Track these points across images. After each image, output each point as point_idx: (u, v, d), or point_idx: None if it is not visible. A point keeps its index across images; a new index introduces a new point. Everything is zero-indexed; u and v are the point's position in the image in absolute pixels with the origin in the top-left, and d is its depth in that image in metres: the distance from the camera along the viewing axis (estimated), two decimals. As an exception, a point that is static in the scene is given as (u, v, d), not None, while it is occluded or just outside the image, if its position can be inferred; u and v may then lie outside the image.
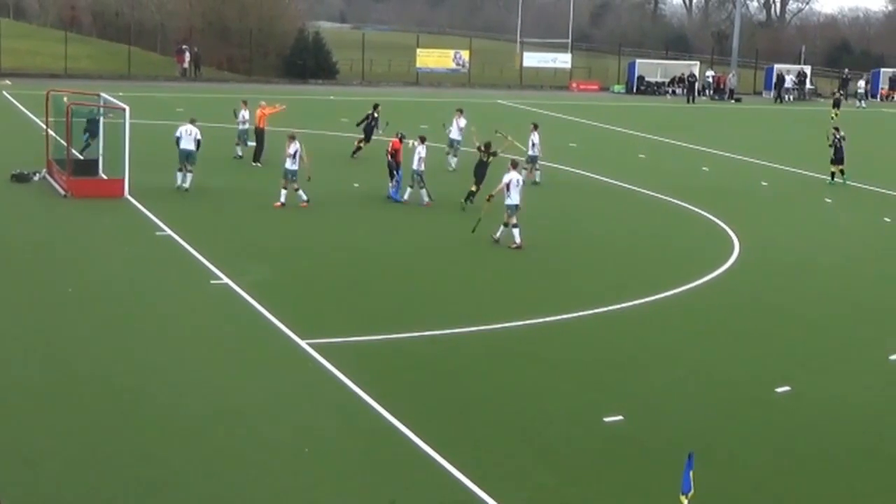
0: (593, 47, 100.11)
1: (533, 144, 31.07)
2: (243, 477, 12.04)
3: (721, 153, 41.90)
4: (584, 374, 16.07)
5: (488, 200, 24.32)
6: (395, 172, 28.08)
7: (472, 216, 24.73)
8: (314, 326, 17.31)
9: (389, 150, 28.69)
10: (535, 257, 23.16)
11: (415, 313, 18.71)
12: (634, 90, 71.10)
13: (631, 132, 48.09)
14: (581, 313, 18.96)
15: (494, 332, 17.72)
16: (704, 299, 20.59)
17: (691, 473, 10.22)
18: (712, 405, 15.02)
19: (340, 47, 72.06)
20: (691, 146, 43.75)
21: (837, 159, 34.74)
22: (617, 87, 72.59)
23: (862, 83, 71.65)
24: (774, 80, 71.73)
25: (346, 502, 11.73)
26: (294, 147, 26.10)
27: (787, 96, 70.74)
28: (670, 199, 30.51)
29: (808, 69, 74.83)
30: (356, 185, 30.08)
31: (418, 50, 71.24)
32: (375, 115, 34.82)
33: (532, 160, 31.11)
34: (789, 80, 71.39)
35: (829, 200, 32.20)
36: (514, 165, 24.03)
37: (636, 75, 71.83)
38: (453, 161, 33.46)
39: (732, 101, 69.08)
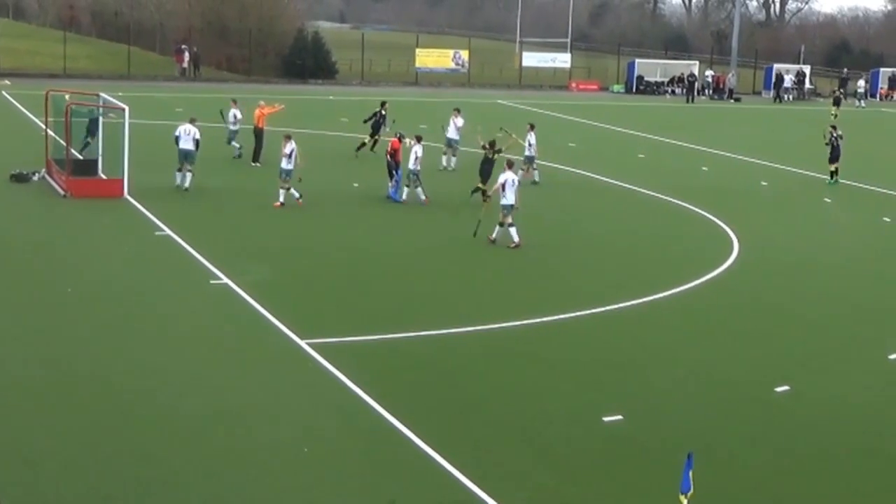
0: (593, 47, 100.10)
1: (529, 145, 31.14)
2: (243, 477, 12.04)
3: (720, 153, 41.91)
4: (584, 374, 16.07)
5: (485, 201, 24.30)
6: (394, 172, 28.10)
7: (472, 216, 24.70)
8: (314, 326, 17.31)
9: (389, 149, 28.75)
10: (535, 257, 23.16)
11: (414, 313, 18.70)
12: (634, 90, 71.12)
13: (630, 132, 48.10)
14: (580, 313, 18.96)
15: (494, 332, 17.72)
16: (704, 299, 20.60)
17: (691, 473, 10.22)
18: (712, 405, 15.02)
19: (340, 47, 72.06)
20: (691, 146, 43.76)
21: (834, 158, 34.78)
22: (616, 87, 72.60)
23: (862, 82, 71.67)
24: (774, 79, 71.77)
25: (346, 502, 11.73)
26: (290, 147, 26.14)
27: (786, 96, 70.77)
28: (670, 199, 30.51)
29: (807, 69, 74.85)
30: (355, 184, 30.08)
31: (417, 50, 71.23)
32: (383, 112, 34.94)
33: (529, 160, 31.14)
34: (788, 80, 71.42)
35: (828, 200, 32.21)
36: (510, 165, 24.06)
37: (635, 75, 71.84)
38: (452, 161, 33.43)
39: (732, 101, 69.11)
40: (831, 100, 60.52)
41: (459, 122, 33.69)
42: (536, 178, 31.35)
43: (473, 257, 22.94)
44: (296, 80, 65.48)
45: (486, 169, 27.63)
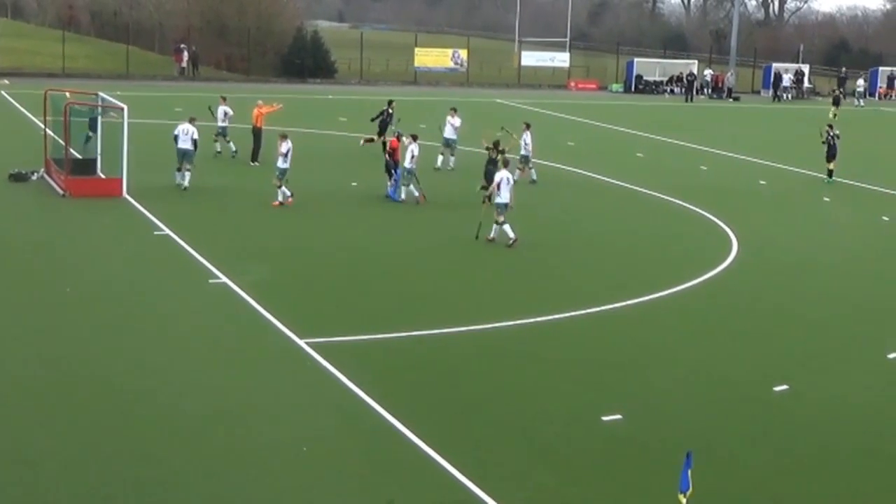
0: (591, 46, 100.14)
1: (525, 144, 31.18)
2: (243, 477, 12.04)
3: (719, 152, 41.92)
4: (583, 374, 16.07)
5: (484, 202, 24.30)
6: (393, 171, 28.10)
7: (471, 215, 24.68)
8: (313, 326, 17.31)
9: (388, 148, 28.77)
10: (534, 256, 23.16)
11: (414, 313, 18.71)
12: (633, 89, 71.14)
13: (629, 131, 48.11)
14: (579, 313, 18.96)
15: (493, 332, 17.72)
16: (703, 298, 20.60)
17: (690, 472, 10.23)
18: (711, 404, 15.03)
19: (339, 46, 72.08)
20: (690, 145, 43.77)
21: (831, 156, 34.87)
22: (615, 86, 72.61)
23: (861, 82, 71.70)
24: (772, 78, 71.79)
25: (346, 502, 11.73)
26: (286, 146, 26.17)
27: (784, 95, 70.80)
28: (669, 198, 30.52)
29: (806, 68, 74.87)
30: (354, 183, 30.08)
31: (416, 49, 71.23)
32: (390, 111, 35.02)
33: (525, 159, 31.17)
34: (787, 79, 71.45)
35: (827, 199, 32.22)
36: (506, 164, 24.11)
37: (634, 74, 71.86)
38: (451, 160, 33.40)
39: (731, 100, 69.15)
40: (831, 99, 60.53)
41: (456, 121, 33.64)
42: (534, 177, 31.37)
43: (473, 257, 22.94)
44: (295, 79, 65.49)
45: (491, 170, 27.62)
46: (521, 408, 14.42)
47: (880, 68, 78.13)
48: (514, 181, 24.06)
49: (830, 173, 34.91)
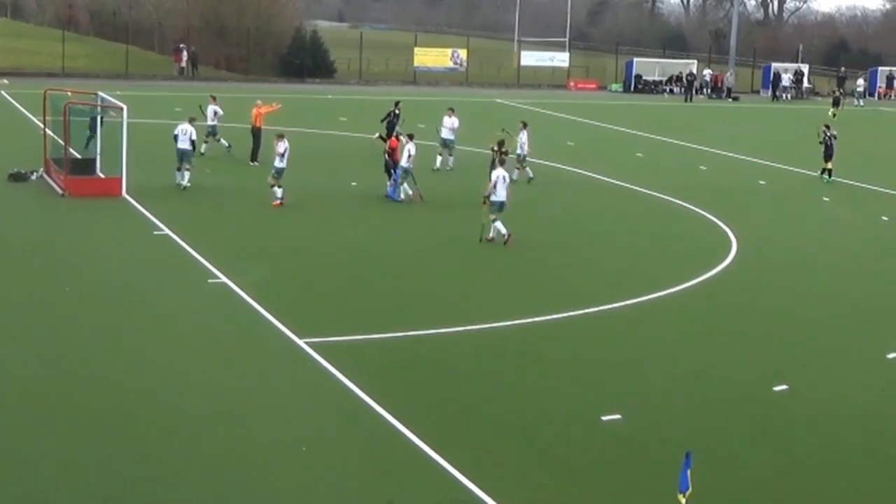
0: (591, 46, 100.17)
1: (521, 143, 31.19)
2: (242, 476, 12.05)
3: (719, 152, 41.93)
4: (583, 374, 16.08)
5: (485, 203, 24.32)
6: (392, 171, 28.11)
7: (470, 215, 24.69)
8: (312, 326, 17.31)
9: (387, 148, 28.78)
10: (533, 256, 23.17)
11: (413, 313, 18.71)
12: (632, 89, 71.13)
13: (628, 131, 48.12)
14: (578, 312, 18.96)
15: (493, 332, 17.73)
16: (702, 298, 20.61)
17: (689, 472, 10.24)
18: (711, 404, 15.04)
19: (338, 46, 72.07)
20: (689, 145, 43.78)
21: (828, 156, 34.96)
22: (614, 86, 72.60)
23: (861, 82, 71.71)
24: (772, 78, 71.80)
25: (345, 501, 11.74)
26: (283, 146, 26.20)
27: (784, 95, 70.81)
28: (668, 198, 30.52)
29: (805, 68, 74.88)
30: (354, 183, 30.09)
31: (416, 49, 71.22)
32: (397, 111, 35.10)
33: (521, 159, 31.19)
34: (786, 79, 71.45)
35: (826, 199, 32.23)
36: (502, 163, 24.13)
37: (634, 74, 71.86)
38: (450, 161, 33.38)
39: (730, 100, 69.14)
40: (831, 100, 60.55)
41: (454, 121, 33.59)
42: (531, 175, 31.38)
43: (472, 257, 22.94)
44: (294, 79, 65.47)
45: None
46: (520, 408, 14.43)
47: (879, 68, 78.13)
48: (514, 180, 24.08)
49: (829, 173, 34.94)
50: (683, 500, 10.26)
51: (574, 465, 12.83)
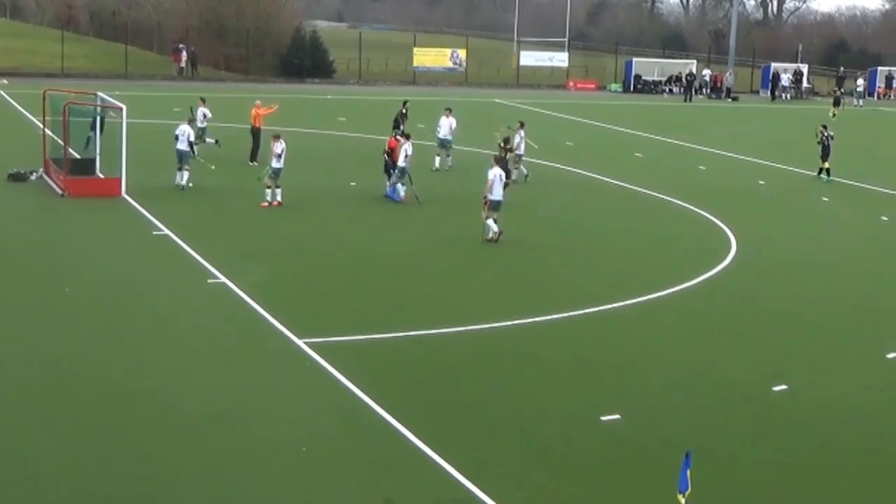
0: (590, 46, 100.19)
1: (519, 142, 31.22)
2: (242, 476, 12.05)
3: (718, 152, 41.93)
4: (582, 374, 16.08)
5: (485, 204, 24.33)
6: (391, 171, 28.11)
7: (469, 215, 24.70)
8: (312, 326, 17.32)
9: (386, 148, 28.80)
10: (532, 256, 23.18)
11: (413, 313, 18.72)
12: (631, 89, 71.13)
13: (628, 131, 48.13)
14: (578, 312, 18.97)
15: (492, 332, 17.73)
16: (702, 298, 20.61)
17: (688, 472, 10.24)
18: (710, 404, 15.04)
19: (337, 46, 72.08)
20: (688, 145, 43.79)
21: (825, 156, 35.03)
22: (614, 86, 72.61)
23: (861, 81, 71.73)
24: (771, 78, 71.81)
25: (345, 501, 11.75)
26: (280, 146, 26.21)
27: (783, 95, 70.82)
28: (667, 198, 30.53)
29: (804, 68, 74.89)
30: (353, 183, 30.09)
31: (415, 49, 71.22)
32: (404, 111, 35.17)
33: (518, 157, 31.21)
34: (785, 79, 71.47)
35: (826, 199, 32.24)
36: (497, 162, 24.14)
37: (633, 74, 71.87)
38: (448, 161, 33.37)
39: (729, 100, 69.15)
40: (832, 100, 60.57)
41: (451, 122, 33.56)
42: (525, 172, 31.38)
43: (471, 257, 22.95)
44: (293, 79, 65.48)
45: (503, 167, 27.85)
46: (519, 407, 14.43)
47: (879, 68, 78.16)
48: (514, 181, 24.11)
49: (827, 172, 35.01)
50: (683, 501, 10.26)
51: (573, 465, 12.83)
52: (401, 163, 27.55)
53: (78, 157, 28.66)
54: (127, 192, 26.71)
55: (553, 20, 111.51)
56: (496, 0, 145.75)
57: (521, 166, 31.39)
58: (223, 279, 19.76)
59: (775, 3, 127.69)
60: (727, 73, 72.18)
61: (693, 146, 43.33)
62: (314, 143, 37.24)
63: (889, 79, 76.79)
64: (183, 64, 65.91)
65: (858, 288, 22.12)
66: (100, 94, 30.60)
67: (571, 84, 72.94)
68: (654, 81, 72.04)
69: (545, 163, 34.56)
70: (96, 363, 15.47)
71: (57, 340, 16.42)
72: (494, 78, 73.89)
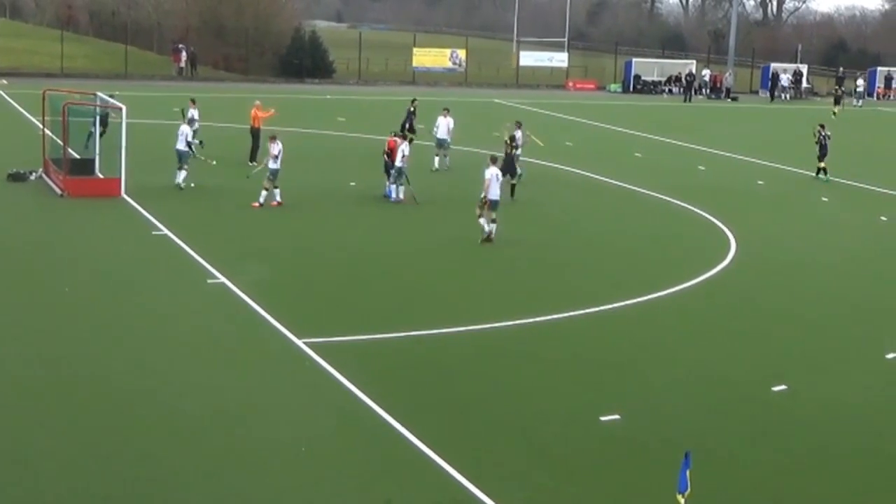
0: (590, 46, 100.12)
1: (517, 142, 31.18)
2: (242, 476, 12.05)
3: (717, 152, 41.93)
4: (582, 374, 16.09)
5: (484, 204, 24.32)
6: (391, 171, 28.10)
7: (470, 215, 24.66)
8: (311, 326, 17.32)
9: (385, 148, 28.78)
10: (532, 256, 23.18)
11: (412, 313, 18.72)
12: (631, 89, 71.13)
13: (627, 131, 48.12)
14: (578, 312, 18.97)
15: (492, 332, 17.73)
16: (701, 298, 20.61)
17: (688, 472, 10.24)
18: (710, 404, 15.04)
19: (337, 46, 72.07)
20: (688, 145, 43.79)
21: (822, 156, 35.08)
22: (613, 86, 72.60)
23: (861, 82, 71.75)
24: (770, 78, 71.83)
25: (344, 501, 11.75)
26: (277, 147, 26.22)
27: (783, 95, 70.82)
28: (667, 198, 30.53)
29: (804, 68, 74.90)
30: (353, 183, 30.09)
31: (415, 49, 71.21)
32: (412, 109, 35.22)
33: (516, 157, 31.18)
34: (785, 79, 71.48)
35: (825, 199, 32.24)
36: (494, 161, 24.16)
37: (633, 74, 71.86)
38: (446, 161, 33.34)
39: (729, 100, 69.15)
40: (832, 99, 60.57)
41: (449, 122, 33.51)
42: (519, 171, 31.31)
43: (471, 257, 22.95)
44: (293, 79, 65.46)
45: (510, 165, 27.94)
46: (519, 408, 14.43)
47: (878, 68, 78.17)
48: (520, 175, 24.16)
49: (824, 171, 35.05)
50: (683, 501, 10.26)
51: (573, 465, 12.83)
52: (398, 163, 27.55)
53: (77, 157, 28.68)
54: (126, 192, 26.70)
55: (553, 20, 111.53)
56: (496, 0, 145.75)
57: (517, 165, 31.36)
58: (223, 279, 19.76)
59: (775, 3, 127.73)
60: (727, 74, 72.18)
61: (692, 146, 43.33)
62: (314, 144, 37.24)
63: (888, 79, 76.80)
64: (182, 64, 65.90)
65: (858, 288, 22.12)
66: (99, 94, 30.61)
67: (571, 84, 72.93)
68: (653, 82, 72.04)
69: (545, 163, 34.56)
70: (96, 363, 15.47)
71: (57, 340, 16.42)
72: (494, 78, 73.89)
